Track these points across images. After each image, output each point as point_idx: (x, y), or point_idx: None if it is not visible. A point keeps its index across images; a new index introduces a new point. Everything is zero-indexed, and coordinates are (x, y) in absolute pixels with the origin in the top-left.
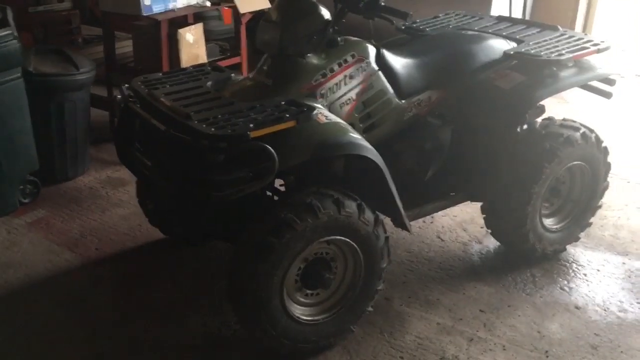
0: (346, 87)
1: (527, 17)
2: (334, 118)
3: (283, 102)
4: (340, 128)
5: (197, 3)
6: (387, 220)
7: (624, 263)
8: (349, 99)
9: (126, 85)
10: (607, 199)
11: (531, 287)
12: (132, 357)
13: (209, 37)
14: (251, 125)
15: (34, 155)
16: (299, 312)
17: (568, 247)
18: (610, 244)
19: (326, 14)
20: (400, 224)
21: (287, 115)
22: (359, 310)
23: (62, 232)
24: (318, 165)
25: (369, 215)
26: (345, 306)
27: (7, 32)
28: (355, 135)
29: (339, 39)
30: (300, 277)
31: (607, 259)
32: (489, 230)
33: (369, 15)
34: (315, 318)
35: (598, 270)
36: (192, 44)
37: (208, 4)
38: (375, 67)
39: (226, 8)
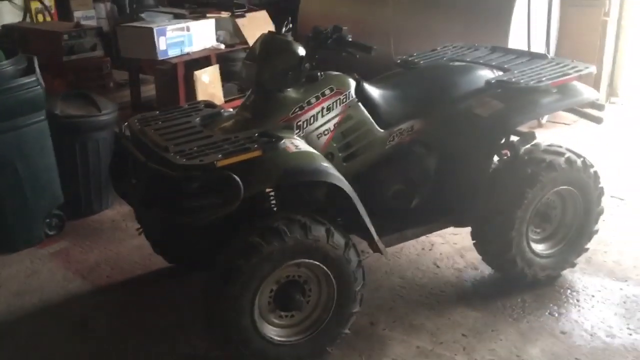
0: (323, 118)
1: (552, 54)
2: (304, 147)
3: (257, 134)
4: (308, 156)
5: (212, 46)
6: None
7: (621, 289)
8: (327, 130)
9: (125, 123)
10: (616, 224)
11: (519, 312)
12: None
13: (237, 77)
14: (219, 155)
15: (58, 190)
16: (273, 332)
17: (566, 272)
18: (611, 270)
19: (300, 51)
20: (375, 248)
21: (255, 146)
22: (334, 333)
23: (80, 262)
24: (297, 191)
25: (338, 239)
26: (321, 328)
27: (33, 79)
28: (324, 164)
29: (319, 73)
30: (273, 299)
31: (605, 285)
32: (481, 256)
33: (337, 50)
34: (290, 339)
35: (592, 296)
36: (208, 84)
37: (222, 47)
38: (355, 98)
39: None
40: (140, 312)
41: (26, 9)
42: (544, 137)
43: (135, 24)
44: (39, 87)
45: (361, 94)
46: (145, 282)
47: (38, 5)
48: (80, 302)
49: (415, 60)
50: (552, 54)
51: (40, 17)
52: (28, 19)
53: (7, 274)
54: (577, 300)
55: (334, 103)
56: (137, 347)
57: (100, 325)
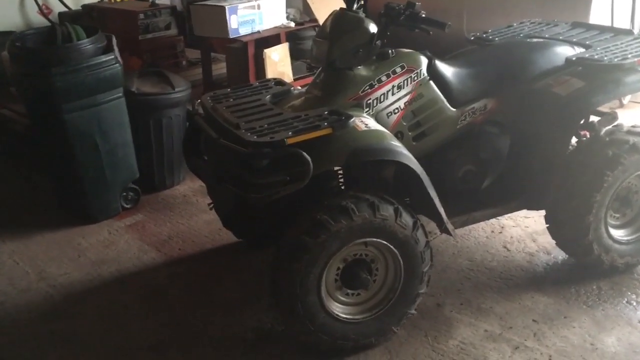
0: (394, 96)
1: (638, 30)
2: (374, 126)
3: (326, 112)
4: (377, 135)
5: (282, 24)
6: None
7: None
8: (397, 108)
9: (198, 100)
10: None
11: (594, 300)
12: (189, 345)
13: (306, 55)
14: (289, 133)
15: (134, 165)
16: (339, 310)
17: None
18: None
19: (372, 27)
20: (444, 229)
21: (325, 124)
22: (400, 313)
23: (154, 234)
24: (366, 170)
25: (406, 219)
26: (387, 308)
27: (111, 57)
28: (393, 142)
29: (390, 51)
30: (340, 277)
31: None
32: (555, 241)
33: (410, 27)
34: (355, 317)
35: None
36: (278, 63)
37: (292, 25)
38: (426, 76)
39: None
40: (209, 285)
41: None
42: (626, 117)
43: (207, 2)
44: (117, 64)
45: (433, 71)
46: (214, 255)
47: None
48: (153, 273)
49: (490, 37)
50: (638, 30)
51: None
52: None
53: (87, 244)
54: None
55: (405, 81)
56: (205, 318)
57: (172, 295)
